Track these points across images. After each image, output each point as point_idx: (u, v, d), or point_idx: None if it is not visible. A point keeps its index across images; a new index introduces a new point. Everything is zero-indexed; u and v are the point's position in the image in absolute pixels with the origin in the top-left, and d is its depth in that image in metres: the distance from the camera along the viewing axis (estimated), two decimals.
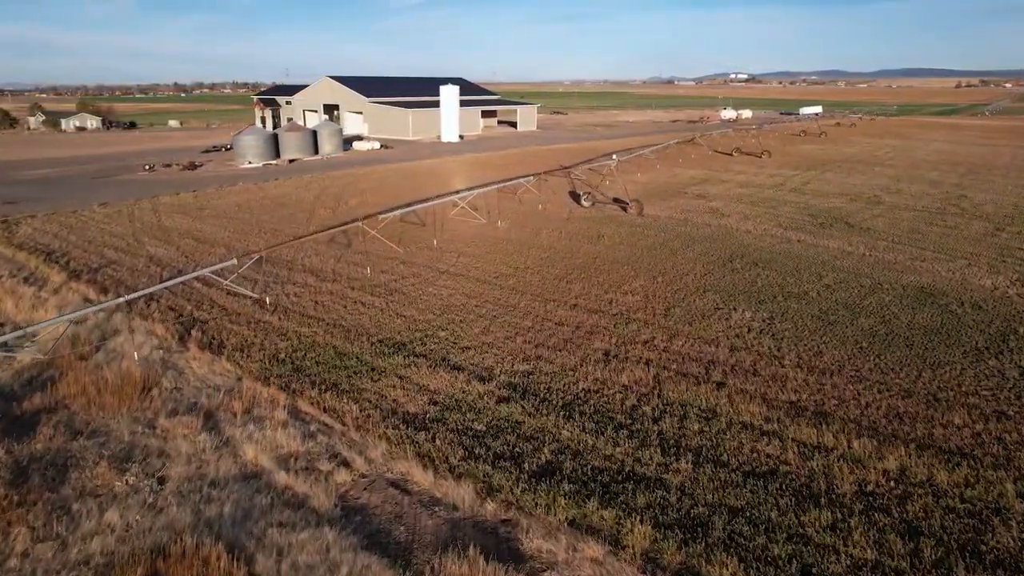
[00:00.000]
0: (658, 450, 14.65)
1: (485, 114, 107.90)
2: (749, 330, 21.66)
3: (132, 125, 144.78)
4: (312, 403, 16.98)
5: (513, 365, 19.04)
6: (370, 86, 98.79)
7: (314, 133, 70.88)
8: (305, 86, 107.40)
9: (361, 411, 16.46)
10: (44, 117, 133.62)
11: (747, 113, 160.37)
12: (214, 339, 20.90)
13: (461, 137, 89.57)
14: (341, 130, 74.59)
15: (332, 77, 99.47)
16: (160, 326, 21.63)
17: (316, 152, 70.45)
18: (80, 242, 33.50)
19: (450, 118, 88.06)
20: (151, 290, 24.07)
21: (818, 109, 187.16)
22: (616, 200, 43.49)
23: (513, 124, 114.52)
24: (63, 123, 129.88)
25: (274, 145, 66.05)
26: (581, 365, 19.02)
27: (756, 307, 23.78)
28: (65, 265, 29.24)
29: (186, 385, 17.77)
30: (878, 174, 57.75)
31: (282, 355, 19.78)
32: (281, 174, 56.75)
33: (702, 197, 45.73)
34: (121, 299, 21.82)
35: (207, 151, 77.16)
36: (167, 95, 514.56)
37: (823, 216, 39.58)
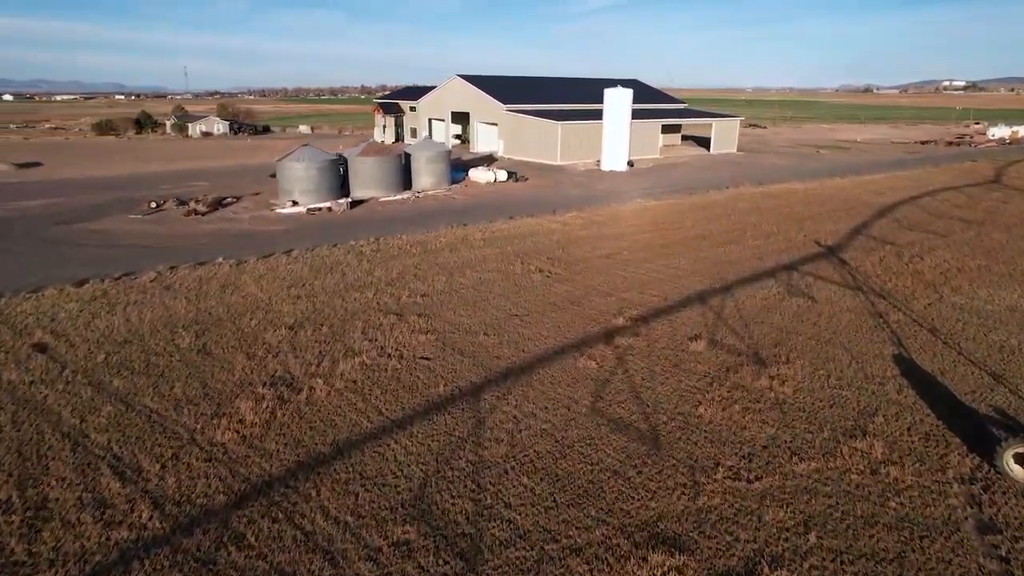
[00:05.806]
0: None
1: (665, 129, 79.03)
2: None
3: (266, 129, 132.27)
4: None
5: None
6: (508, 89, 73.67)
7: (405, 159, 46.93)
8: (435, 87, 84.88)
9: None
10: (175, 120, 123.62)
11: None
12: None
13: (630, 164, 62.07)
14: (447, 152, 50.04)
15: (463, 76, 75.75)
16: None
17: (407, 186, 46.54)
18: None
19: (617, 136, 60.61)
20: None
21: None
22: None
23: (700, 141, 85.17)
24: (190, 128, 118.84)
25: (335, 176, 42.79)
26: None
27: None
28: None
29: None
30: None
31: None
32: (314, 236, 33.17)
33: None
34: None
35: (274, 175, 56.32)
36: (349, 96, 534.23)
37: None
